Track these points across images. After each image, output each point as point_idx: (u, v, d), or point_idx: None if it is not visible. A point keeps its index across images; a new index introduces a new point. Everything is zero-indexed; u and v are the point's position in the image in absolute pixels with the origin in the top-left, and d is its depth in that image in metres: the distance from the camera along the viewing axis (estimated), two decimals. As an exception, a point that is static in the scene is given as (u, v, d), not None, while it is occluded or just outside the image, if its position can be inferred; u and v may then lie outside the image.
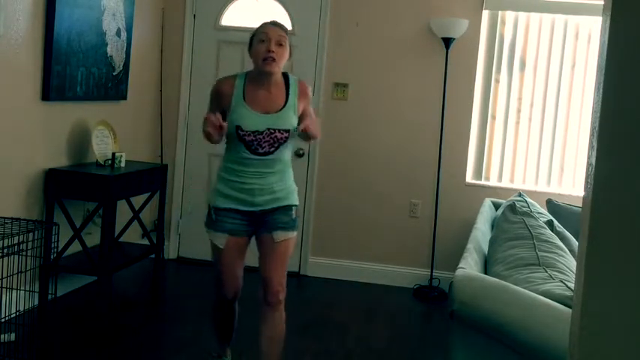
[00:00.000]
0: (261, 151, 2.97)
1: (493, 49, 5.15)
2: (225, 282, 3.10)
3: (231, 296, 3.15)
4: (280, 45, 2.96)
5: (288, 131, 3.00)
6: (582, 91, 5.09)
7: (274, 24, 3.04)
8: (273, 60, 2.94)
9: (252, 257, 3.19)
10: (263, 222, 3.06)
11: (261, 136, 2.96)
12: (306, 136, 3.02)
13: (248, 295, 3.25)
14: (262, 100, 3.00)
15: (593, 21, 5.00)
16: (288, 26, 5.24)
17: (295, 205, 3.11)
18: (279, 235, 3.05)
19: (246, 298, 3.24)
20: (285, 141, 3.00)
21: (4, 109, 3.74)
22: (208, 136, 2.96)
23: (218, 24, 5.37)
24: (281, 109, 3.00)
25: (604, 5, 1.27)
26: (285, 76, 3.08)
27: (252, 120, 2.96)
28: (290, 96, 3.04)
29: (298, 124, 3.03)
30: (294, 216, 3.10)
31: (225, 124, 2.91)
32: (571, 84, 5.11)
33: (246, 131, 2.95)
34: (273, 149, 2.99)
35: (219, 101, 3.03)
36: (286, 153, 3.07)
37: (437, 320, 4.63)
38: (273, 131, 2.97)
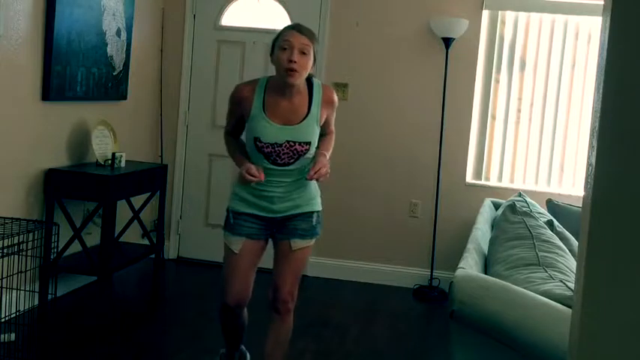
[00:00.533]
0: (280, 162, 2.88)
1: (493, 49, 5.15)
2: (233, 289, 2.97)
3: (235, 304, 3.00)
4: (303, 54, 2.78)
5: (309, 143, 2.89)
6: (582, 91, 5.09)
7: (298, 30, 2.83)
8: (296, 71, 2.77)
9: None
10: (283, 226, 2.99)
11: (280, 149, 2.85)
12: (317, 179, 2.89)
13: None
14: (283, 110, 2.87)
15: (593, 21, 5.00)
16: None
17: (317, 212, 3.02)
18: (297, 243, 2.97)
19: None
20: (305, 153, 2.89)
21: (4, 109, 3.74)
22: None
23: (218, 24, 5.37)
24: (302, 121, 2.87)
25: (604, 5, 1.27)
26: (309, 81, 2.93)
27: (271, 132, 2.84)
28: (313, 105, 2.90)
29: (321, 134, 2.97)
30: (314, 222, 3.00)
31: (263, 177, 2.82)
32: (571, 84, 5.11)
33: (265, 143, 2.85)
34: (292, 160, 2.89)
35: (239, 107, 2.93)
36: (306, 162, 2.95)
37: (437, 320, 4.62)
38: (293, 144, 2.86)
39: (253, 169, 2.82)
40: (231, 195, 3.02)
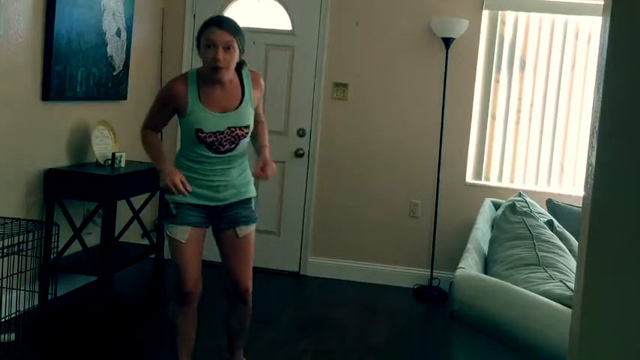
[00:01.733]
0: (222, 149, 2.97)
1: (493, 49, 5.15)
2: (188, 277, 3.00)
3: (194, 290, 3.03)
4: (228, 49, 2.86)
5: (247, 127, 3.00)
6: (582, 91, 5.09)
7: (219, 26, 2.89)
8: (221, 68, 2.86)
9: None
10: (222, 216, 3.06)
11: (222, 136, 2.94)
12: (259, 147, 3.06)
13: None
14: (219, 99, 2.96)
15: (593, 21, 5.00)
16: (288, 26, 5.28)
17: (254, 197, 3.13)
18: (242, 230, 3.08)
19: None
20: (245, 137, 3.01)
21: (4, 109, 3.74)
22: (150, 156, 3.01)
23: (218, 24, 5.37)
24: (239, 106, 2.98)
25: (604, 5, 1.27)
26: (238, 70, 3.02)
27: (212, 121, 2.93)
28: (245, 90, 3.01)
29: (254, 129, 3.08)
30: (253, 208, 3.12)
31: (190, 189, 2.89)
32: (571, 84, 5.11)
33: (207, 133, 2.92)
34: (234, 146, 2.99)
35: (173, 103, 2.97)
36: (246, 147, 3.08)
37: (437, 320, 4.62)
38: (233, 129, 2.96)
39: (178, 183, 2.87)
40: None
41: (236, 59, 2.93)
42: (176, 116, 3.05)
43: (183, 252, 3.00)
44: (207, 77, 2.94)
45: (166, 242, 3.17)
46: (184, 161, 3.02)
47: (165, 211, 3.05)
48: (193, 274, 3.02)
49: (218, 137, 2.94)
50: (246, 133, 3.00)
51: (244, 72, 3.04)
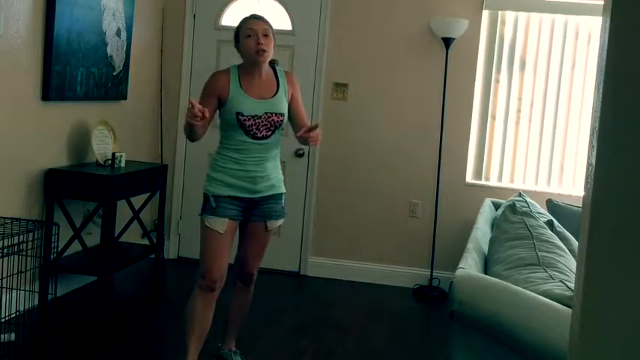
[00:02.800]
0: (259, 135, 3.14)
1: (493, 49, 5.15)
2: (217, 265, 3.15)
3: (220, 280, 3.16)
4: (266, 36, 3.15)
5: (283, 114, 3.21)
6: (582, 91, 5.09)
7: (257, 17, 3.24)
8: (264, 51, 3.13)
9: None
10: (257, 209, 3.23)
11: (259, 120, 3.14)
12: (304, 140, 3.12)
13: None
14: (257, 88, 3.19)
15: (593, 21, 5.00)
16: (288, 26, 5.29)
17: (284, 193, 3.33)
18: (272, 224, 3.29)
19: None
20: (280, 124, 3.20)
21: (4, 109, 3.74)
22: (190, 128, 3.03)
23: (218, 24, 5.37)
24: (275, 95, 3.22)
25: (604, 5, 1.27)
26: (272, 67, 3.29)
27: (251, 105, 3.14)
28: (280, 83, 3.26)
29: (289, 115, 3.28)
30: (283, 203, 3.33)
31: (207, 113, 2.97)
32: (571, 84, 5.11)
33: (247, 116, 3.12)
34: (270, 133, 3.17)
35: (216, 93, 3.16)
36: (279, 139, 3.26)
37: (437, 320, 4.62)
38: (270, 115, 3.16)
39: (196, 103, 2.94)
40: (209, 180, 3.20)
41: (273, 48, 3.19)
42: (216, 116, 3.20)
43: (219, 242, 3.15)
44: (247, 68, 3.19)
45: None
46: (224, 153, 3.18)
47: (204, 203, 3.19)
48: (223, 264, 3.17)
49: (256, 121, 3.13)
50: (281, 121, 3.20)
51: (279, 70, 3.30)
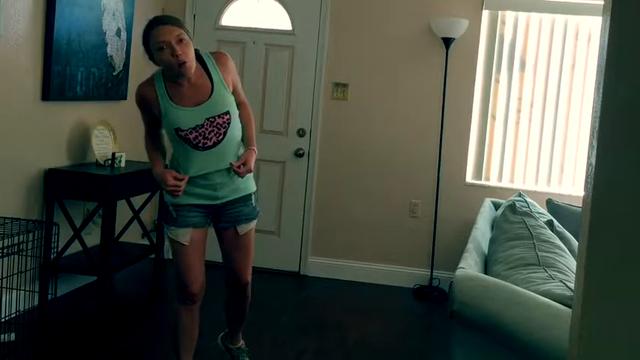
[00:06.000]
0: (209, 144, 2.88)
1: (493, 49, 5.15)
2: (191, 277, 2.99)
3: (198, 291, 3.03)
4: (180, 41, 2.78)
5: (227, 112, 2.90)
6: (582, 91, 5.09)
7: (162, 22, 2.82)
8: (186, 62, 2.78)
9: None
10: (223, 214, 3.02)
11: (203, 129, 2.86)
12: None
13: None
14: (189, 93, 2.87)
15: (593, 21, 5.00)
16: (288, 26, 5.28)
17: (254, 192, 3.08)
18: (243, 228, 3.05)
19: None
20: (229, 123, 2.91)
21: (4, 109, 3.74)
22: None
23: (218, 24, 5.37)
24: (211, 94, 2.89)
25: (604, 5, 1.27)
26: (198, 56, 2.92)
27: (187, 117, 2.85)
28: (212, 75, 2.92)
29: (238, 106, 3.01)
30: (254, 204, 3.07)
31: (186, 178, 2.87)
32: (571, 84, 5.11)
33: (187, 130, 2.85)
34: (221, 137, 2.90)
35: (147, 106, 2.93)
36: (237, 135, 2.98)
37: (437, 320, 4.62)
38: (213, 119, 2.87)
39: (173, 184, 2.85)
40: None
41: (193, 50, 2.85)
42: None
43: (186, 254, 2.97)
44: (174, 76, 2.86)
45: (167, 244, 3.15)
46: (178, 161, 2.98)
47: (165, 213, 3.03)
48: (197, 275, 3.01)
49: (200, 131, 2.86)
50: (228, 120, 2.90)
51: (204, 56, 2.95)
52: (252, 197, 3.07)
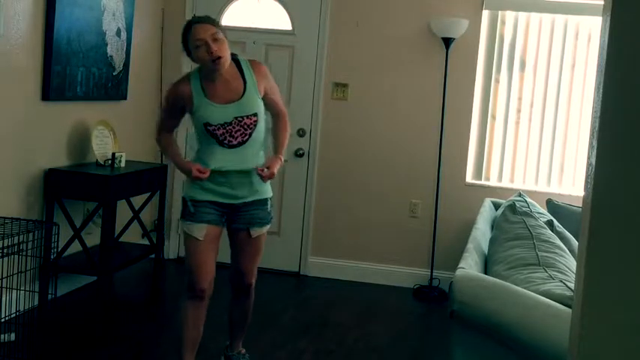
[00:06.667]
0: (234, 142, 3.00)
1: (493, 49, 5.15)
2: (202, 274, 3.04)
3: (207, 287, 3.07)
4: (216, 40, 2.93)
5: (255, 114, 3.02)
6: (582, 91, 5.09)
7: (199, 21, 3.00)
8: (220, 57, 2.93)
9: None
10: (239, 215, 3.10)
11: (230, 127, 2.98)
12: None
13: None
14: (222, 91, 3.01)
15: (593, 21, 4.99)
16: (288, 26, 5.28)
17: (270, 198, 3.17)
18: (256, 231, 3.14)
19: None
20: (255, 125, 3.03)
21: (4, 109, 3.74)
22: (167, 156, 3.16)
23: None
24: (243, 95, 3.02)
25: (604, 5, 1.27)
26: (236, 60, 3.08)
27: (218, 113, 2.98)
28: (247, 78, 3.05)
29: (273, 116, 3.17)
30: (269, 209, 3.16)
31: (208, 171, 2.97)
32: (571, 84, 5.11)
33: (215, 125, 2.98)
34: (246, 137, 3.02)
35: (180, 102, 3.05)
36: (261, 138, 3.10)
37: (437, 320, 4.62)
38: (241, 119, 3.00)
39: (197, 174, 2.96)
40: (189, 185, 3.11)
41: (228, 48, 2.99)
42: (189, 116, 3.11)
43: (199, 249, 3.04)
44: (209, 73, 3.00)
45: (182, 239, 3.21)
46: (201, 156, 3.08)
47: (182, 208, 3.10)
48: (208, 272, 3.07)
49: (227, 129, 2.98)
50: (255, 122, 3.02)
51: (243, 62, 3.09)
52: (268, 202, 3.16)
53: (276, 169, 3.04)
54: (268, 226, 3.19)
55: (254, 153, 3.07)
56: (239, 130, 2.99)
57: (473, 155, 5.23)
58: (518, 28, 5.13)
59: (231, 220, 3.12)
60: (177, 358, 3.19)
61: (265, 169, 3.00)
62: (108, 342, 3.77)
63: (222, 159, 3.00)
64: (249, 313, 3.37)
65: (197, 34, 2.93)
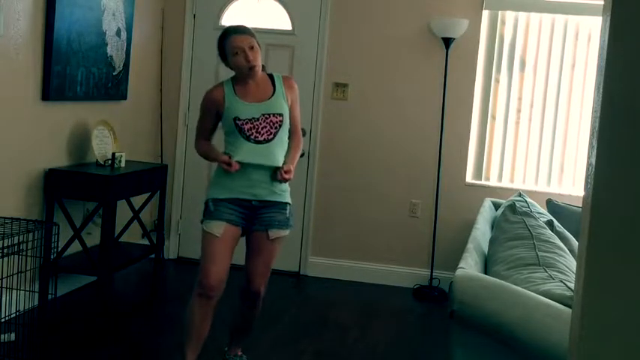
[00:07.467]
0: (260, 138, 3.12)
1: (493, 49, 5.15)
2: (213, 270, 3.07)
3: (216, 285, 3.08)
4: (252, 48, 3.11)
5: (281, 115, 3.16)
6: (582, 91, 5.09)
7: (238, 31, 3.17)
8: (255, 66, 3.12)
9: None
10: (257, 217, 3.16)
11: (257, 122, 3.12)
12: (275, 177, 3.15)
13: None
14: (252, 92, 3.18)
15: (593, 21, 5.00)
16: (288, 26, 5.29)
17: (290, 204, 3.23)
18: (274, 233, 3.18)
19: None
20: (281, 125, 3.15)
21: (4, 109, 3.74)
22: (208, 159, 3.33)
23: (218, 24, 5.37)
24: (271, 96, 3.19)
25: (604, 5, 1.27)
26: (269, 74, 3.27)
27: (247, 109, 3.13)
28: (277, 87, 3.22)
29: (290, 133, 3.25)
30: (288, 214, 3.21)
31: (236, 164, 3.08)
32: (571, 84, 5.11)
33: (244, 120, 3.11)
34: (272, 136, 3.13)
35: (214, 109, 3.19)
36: (283, 144, 3.20)
37: (437, 320, 4.62)
38: (268, 116, 3.13)
39: (227, 160, 3.09)
40: (211, 185, 3.22)
41: (261, 57, 3.17)
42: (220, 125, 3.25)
43: (215, 245, 3.09)
44: (243, 79, 3.18)
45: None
46: (227, 153, 3.16)
47: (204, 209, 3.17)
48: (220, 269, 3.09)
49: (254, 124, 3.11)
50: (281, 122, 3.15)
51: (276, 76, 3.27)
52: (288, 208, 3.21)
53: (291, 175, 3.14)
54: (287, 232, 3.22)
55: (278, 153, 3.16)
56: (265, 126, 3.12)
57: (473, 155, 5.23)
58: (518, 28, 5.13)
59: (251, 222, 3.17)
60: (180, 354, 3.20)
61: (284, 165, 3.12)
62: (108, 342, 3.77)
63: (246, 152, 3.10)
64: (252, 324, 3.39)
65: (236, 42, 3.11)
